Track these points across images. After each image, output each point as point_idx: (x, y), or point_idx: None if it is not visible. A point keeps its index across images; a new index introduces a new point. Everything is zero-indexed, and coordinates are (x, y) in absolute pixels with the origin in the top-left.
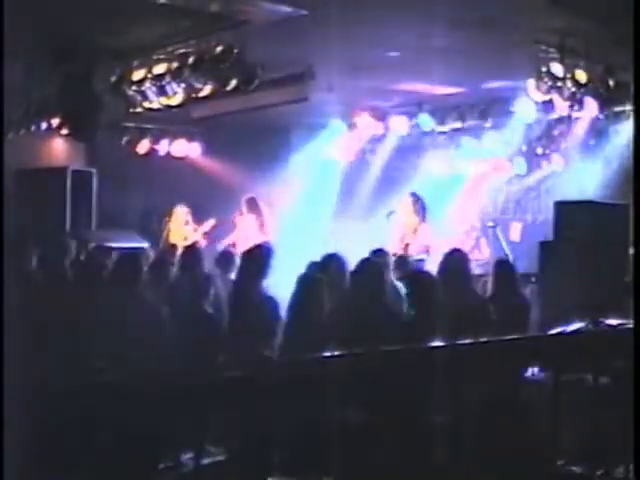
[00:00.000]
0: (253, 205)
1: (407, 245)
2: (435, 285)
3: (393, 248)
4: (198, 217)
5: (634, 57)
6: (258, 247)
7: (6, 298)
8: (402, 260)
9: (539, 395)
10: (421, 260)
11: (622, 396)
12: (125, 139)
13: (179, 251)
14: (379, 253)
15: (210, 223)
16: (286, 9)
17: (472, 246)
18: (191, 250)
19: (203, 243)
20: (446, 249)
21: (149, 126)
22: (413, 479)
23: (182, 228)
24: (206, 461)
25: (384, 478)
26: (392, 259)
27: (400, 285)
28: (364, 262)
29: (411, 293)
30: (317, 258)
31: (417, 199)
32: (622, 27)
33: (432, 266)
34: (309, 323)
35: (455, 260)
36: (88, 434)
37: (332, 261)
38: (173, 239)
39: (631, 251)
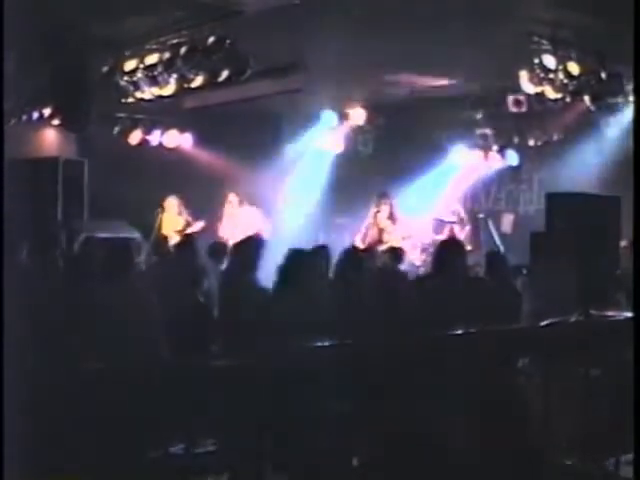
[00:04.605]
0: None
1: (385, 237)
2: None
3: (373, 240)
4: (190, 208)
5: (634, 55)
6: (249, 239)
7: None
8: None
9: (529, 386)
10: (400, 250)
11: (614, 388)
12: (117, 129)
13: (172, 242)
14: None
15: (199, 224)
16: None
17: (463, 237)
18: (184, 241)
19: (195, 235)
20: (441, 239)
21: (141, 116)
22: (407, 473)
23: (174, 219)
24: (198, 451)
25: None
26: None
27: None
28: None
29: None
30: (306, 250)
31: (386, 196)
32: (615, 19)
33: (412, 256)
34: (296, 313)
35: (451, 250)
36: (82, 422)
37: (319, 253)
38: (165, 230)
39: (623, 243)
